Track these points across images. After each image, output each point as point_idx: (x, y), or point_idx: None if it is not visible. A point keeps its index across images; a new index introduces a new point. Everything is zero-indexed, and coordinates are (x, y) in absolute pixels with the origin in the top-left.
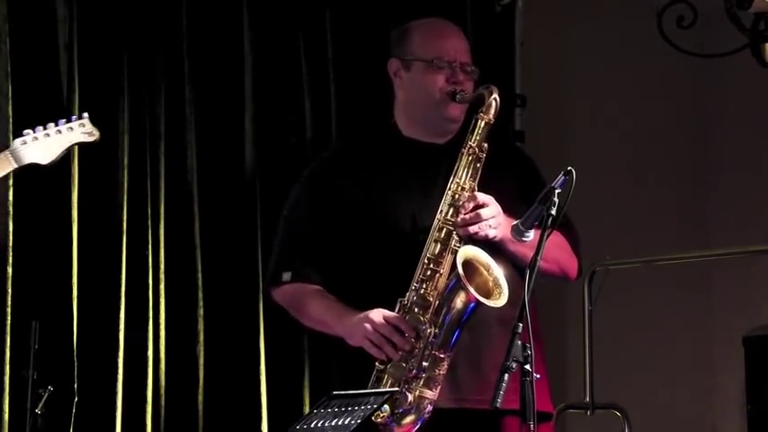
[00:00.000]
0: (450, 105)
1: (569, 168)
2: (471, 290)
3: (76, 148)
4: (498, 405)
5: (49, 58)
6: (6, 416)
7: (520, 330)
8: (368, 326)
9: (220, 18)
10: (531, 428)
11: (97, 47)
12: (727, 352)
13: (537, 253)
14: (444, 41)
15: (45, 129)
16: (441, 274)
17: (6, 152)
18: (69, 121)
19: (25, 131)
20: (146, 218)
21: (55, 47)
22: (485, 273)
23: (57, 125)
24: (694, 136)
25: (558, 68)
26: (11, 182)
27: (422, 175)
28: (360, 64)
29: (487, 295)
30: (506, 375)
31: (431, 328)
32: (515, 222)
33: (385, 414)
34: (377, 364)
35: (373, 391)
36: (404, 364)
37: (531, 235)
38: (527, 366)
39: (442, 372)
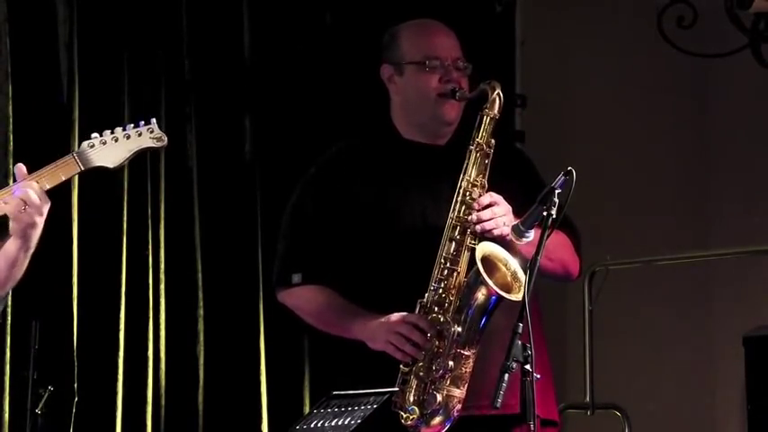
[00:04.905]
0: (446, 106)
1: (569, 168)
2: (492, 285)
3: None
4: (498, 406)
5: (49, 58)
6: (6, 416)
7: (520, 330)
8: (389, 328)
9: (220, 18)
10: (532, 428)
11: (97, 47)
12: (727, 352)
13: (537, 253)
14: (433, 40)
15: (113, 132)
16: (458, 273)
17: (73, 154)
18: (137, 125)
19: (93, 134)
20: (146, 218)
21: (55, 47)
22: (503, 268)
23: (125, 129)
24: (694, 136)
25: (558, 68)
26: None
27: (426, 176)
28: (359, 65)
29: (508, 290)
30: (506, 376)
31: (454, 326)
32: (515, 222)
33: (414, 416)
34: (401, 366)
35: (373, 391)
36: (429, 365)
37: (531, 235)
38: (527, 366)
39: (468, 369)
